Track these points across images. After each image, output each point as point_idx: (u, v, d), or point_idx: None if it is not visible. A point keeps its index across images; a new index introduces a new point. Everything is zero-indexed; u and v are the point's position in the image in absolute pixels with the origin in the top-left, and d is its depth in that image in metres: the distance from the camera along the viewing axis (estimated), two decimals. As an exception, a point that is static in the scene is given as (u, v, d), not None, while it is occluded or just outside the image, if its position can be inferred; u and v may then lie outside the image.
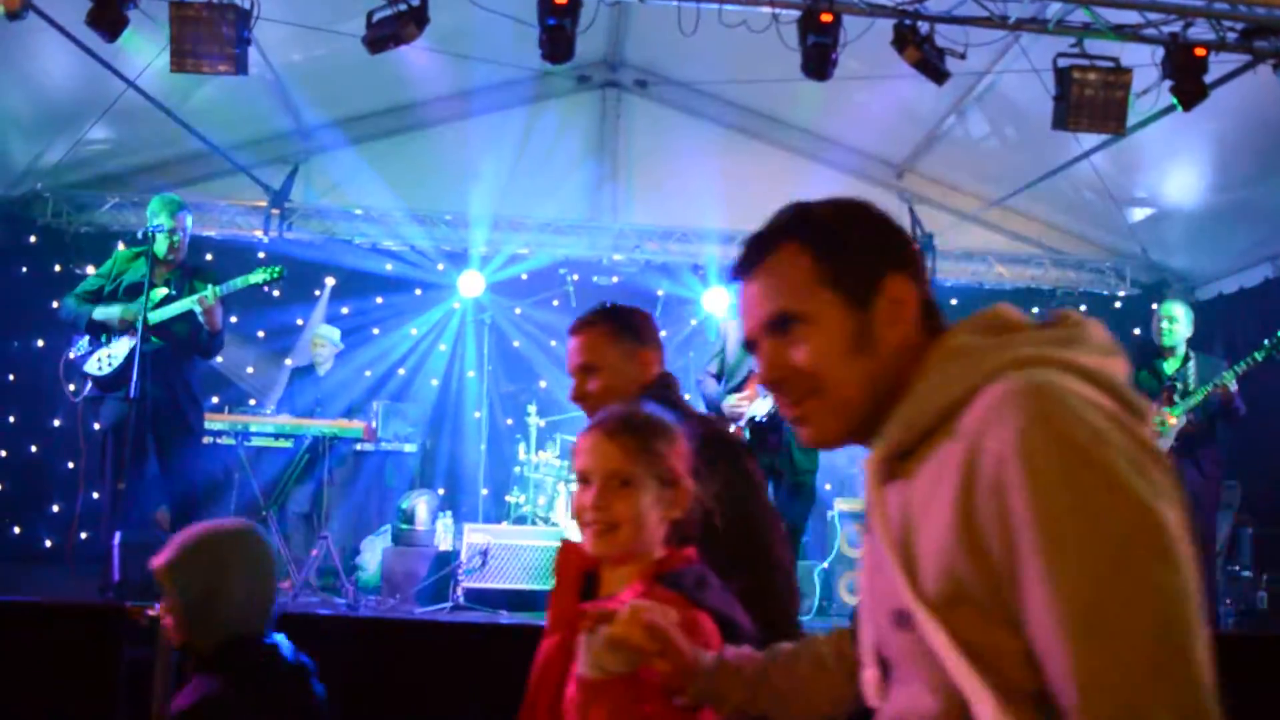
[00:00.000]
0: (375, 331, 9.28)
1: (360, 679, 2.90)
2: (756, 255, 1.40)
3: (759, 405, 5.36)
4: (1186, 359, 6.21)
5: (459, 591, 6.37)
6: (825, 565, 7.34)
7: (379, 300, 9.35)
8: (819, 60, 5.60)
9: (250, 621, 2.28)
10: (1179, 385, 6.12)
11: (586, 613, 1.68)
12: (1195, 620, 1.03)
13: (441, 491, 8.64)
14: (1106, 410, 1.13)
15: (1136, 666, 1.01)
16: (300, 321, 9.22)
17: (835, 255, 1.34)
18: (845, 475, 9.59)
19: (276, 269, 5.82)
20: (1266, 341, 5.92)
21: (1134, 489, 1.07)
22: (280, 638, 2.33)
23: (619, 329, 2.70)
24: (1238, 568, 7.53)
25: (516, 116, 8.97)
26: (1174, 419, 6.02)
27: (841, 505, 7.65)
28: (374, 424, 7.86)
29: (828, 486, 9.01)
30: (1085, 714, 1.03)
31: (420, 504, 7.30)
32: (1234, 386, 5.99)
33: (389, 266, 9.36)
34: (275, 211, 8.98)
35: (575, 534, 2.05)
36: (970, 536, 1.13)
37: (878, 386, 1.31)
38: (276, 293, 9.03)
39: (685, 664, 1.60)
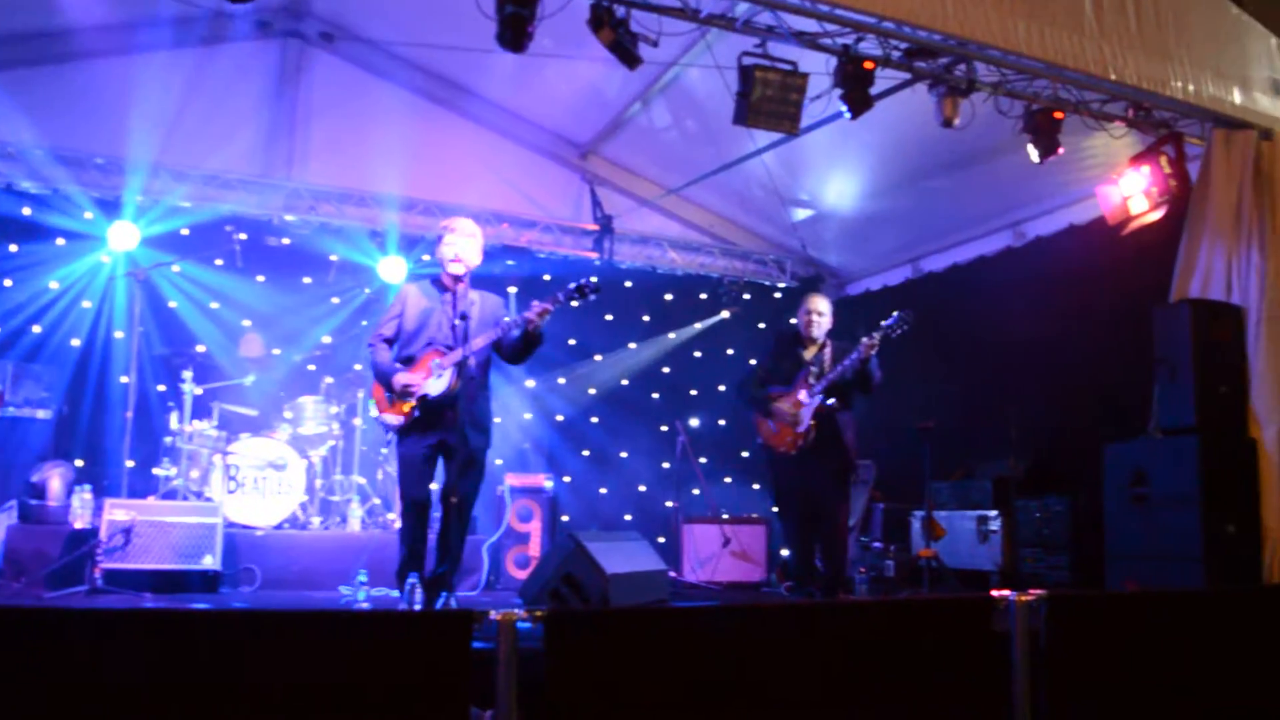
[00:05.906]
0: (7, 283, 8.34)
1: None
2: None
3: (433, 384, 5.24)
4: (823, 346, 6.71)
5: (98, 573, 6.07)
6: (494, 539, 7.38)
7: (13, 248, 8.40)
8: (515, 31, 5.52)
9: None
10: (814, 370, 6.59)
11: None
12: None
13: (80, 463, 7.92)
14: None
15: None
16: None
17: None
18: (517, 451, 9.70)
19: None
20: (897, 313, 6.33)
21: None
22: None
23: None
24: (869, 539, 8.38)
25: (187, 57, 8.26)
26: (811, 400, 6.48)
27: (512, 480, 7.77)
28: (2, 387, 7.20)
29: (498, 462, 9.06)
30: None
31: (53, 477, 6.87)
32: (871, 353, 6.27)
33: (26, 210, 8.41)
34: (-118, 138, 7.83)
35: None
36: None
37: None
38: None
39: None
